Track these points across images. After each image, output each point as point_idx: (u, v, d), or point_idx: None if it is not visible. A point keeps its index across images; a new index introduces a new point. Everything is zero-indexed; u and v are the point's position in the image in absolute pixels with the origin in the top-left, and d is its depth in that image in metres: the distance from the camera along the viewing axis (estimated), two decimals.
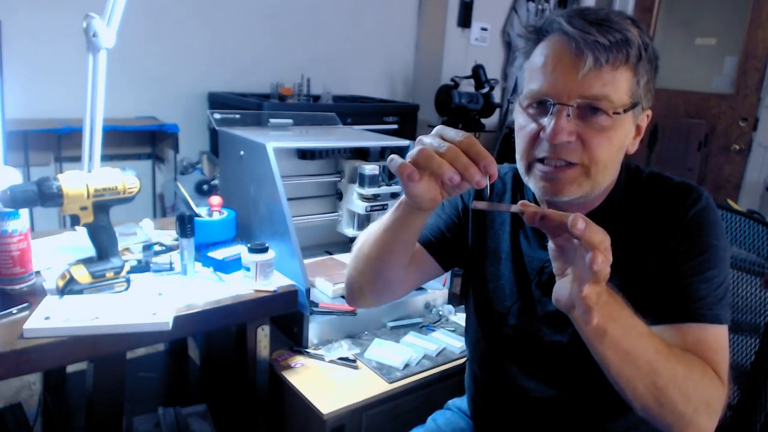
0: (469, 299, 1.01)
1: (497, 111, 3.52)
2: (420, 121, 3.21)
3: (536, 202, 0.89)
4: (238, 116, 1.68)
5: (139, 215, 1.58)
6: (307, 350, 1.28)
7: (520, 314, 0.90)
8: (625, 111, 0.75)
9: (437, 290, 1.53)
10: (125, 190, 1.08)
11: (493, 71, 3.33)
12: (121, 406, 1.08)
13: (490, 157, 0.63)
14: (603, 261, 0.56)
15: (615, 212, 0.83)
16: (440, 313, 1.50)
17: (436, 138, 0.65)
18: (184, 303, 1.08)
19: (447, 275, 1.54)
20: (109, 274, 1.09)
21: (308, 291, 1.23)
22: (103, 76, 1.24)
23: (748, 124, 3.45)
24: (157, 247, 1.33)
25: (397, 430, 1.17)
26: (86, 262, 1.09)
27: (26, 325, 0.91)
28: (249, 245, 1.20)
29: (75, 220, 1.06)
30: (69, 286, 1.05)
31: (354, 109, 2.88)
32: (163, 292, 1.10)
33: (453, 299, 1.56)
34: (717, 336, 0.75)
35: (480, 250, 0.96)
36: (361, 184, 1.55)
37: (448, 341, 1.36)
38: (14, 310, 0.97)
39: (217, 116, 1.61)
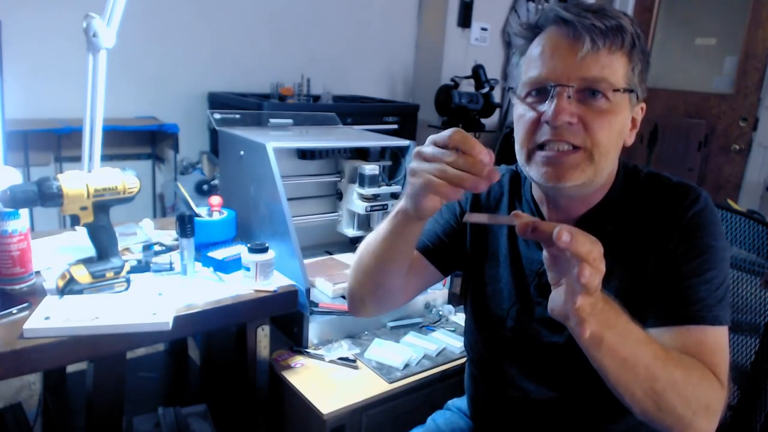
0: (467, 301, 1.01)
1: (497, 111, 3.52)
2: (420, 121, 3.21)
3: (535, 204, 0.89)
4: (238, 116, 1.68)
5: (139, 215, 1.58)
6: (307, 350, 1.28)
7: (518, 316, 0.90)
8: (624, 90, 0.75)
9: (437, 290, 1.53)
10: (125, 190, 1.08)
11: (493, 71, 3.33)
12: (121, 406, 1.08)
13: (484, 164, 0.63)
14: (591, 273, 0.56)
15: (613, 211, 0.83)
16: (440, 313, 1.50)
17: (432, 150, 0.66)
18: (184, 303, 1.08)
19: None
20: (109, 274, 1.09)
21: (308, 291, 1.23)
22: (103, 76, 1.24)
23: (748, 124, 3.45)
24: (157, 247, 1.33)
25: (397, 430, 1.17)
26: (86, 262, 1.09)
27: (26, 325, 0.91)
28: (249, 245, 1.20)
29: (75, 220, 1.06)
30: (69, 286, 1.05)
31: (354, 109, 2.88)
32: (163, 292, 1.10)
33: (453, 299, 1.56)
34: (717, 337, 0.74)
35: (479, 253, 0.95)
36: (361, 184, 1.55)
37: (448, 341, 1.36)
38: (14, 310, 0.97)
39: (217, 116, 1.61)
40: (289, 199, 1.35)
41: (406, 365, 1.25)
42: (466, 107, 3.16)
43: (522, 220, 0.61)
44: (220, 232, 1.36)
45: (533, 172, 0.79)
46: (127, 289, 1.11)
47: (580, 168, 0.76)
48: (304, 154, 1.50)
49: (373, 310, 0.96)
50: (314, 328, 1.30)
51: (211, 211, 1.38)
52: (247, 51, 2.89)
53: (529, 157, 0.79)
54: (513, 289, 0.90)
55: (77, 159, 1.37)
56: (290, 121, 1.82)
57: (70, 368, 1.54)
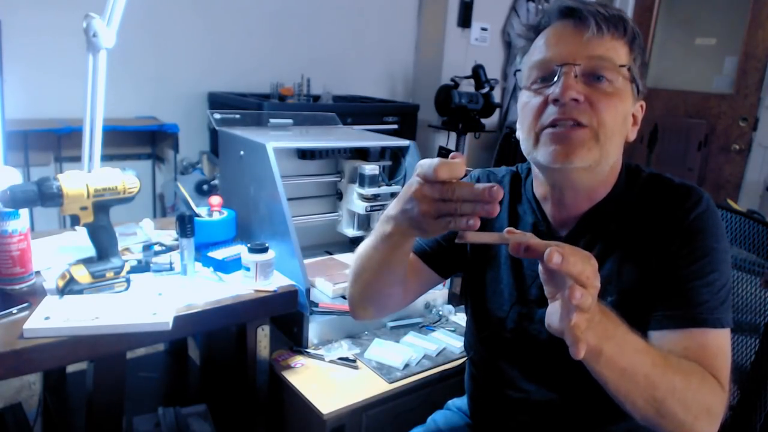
0: (467, 302, 1.01)
1: (497, 111, 3.53)
2: (420, 121, 3.21)
3: (537, 203, 0.89)
4: (238, 116, 1.68)
5: (139, 215, 1.58)
6: (307, 350, 1.28)
7: (519, 318, 0.90)
8: (628, 70, 0.77)
9: (437, 290, 1.53)
10: (125, 190, 1.08)
11: (493, 71, 3.33)
12: (121, 406, 1.08)
13: (481, 190, 0.60)
14: (582, 294, 0.56)
15: (616, 210, 0.83)
16: (440, 313, 1.50)
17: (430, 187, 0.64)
18: (184, 303, 1.08)
19: None
20: (109, 274, 1.09)
21: (308, 291, 1.23)
22: (103, 76, 1.24)
23: (748, 124, 3.45)
24: (157, 247, 1.33)
25: (397, 430, 1.17)
26: (86, 262, 1.09)
27: (26, 325, 0.91)
28: (249, 245, 1.20)
29: (75, 220, 1.06)
30: (69, 286, 1.05)
31: (354, 109, 2.88)
32: (163, 292, 1.10)
33: (453, 299, 1.56)
34: (719, 340, 0.74)
35: (479, 256, 0.95)
36: (361, 184, 1.55)
37: (448, 341, 1.36)
38: (14, 310, 0.97)
39: (217, 116, 1.61)
40: (289, 199, 1.35)
41: (406, 365, 1.25)
42: (466, 107, 3.16)
43: (515, 239, 0.61)
44: (220, 232, 1.36)
45: (541, 154, 0.78)
46: (127, 289, 1.11)
47: (586, 146, 0.75)
48: (304, 154, 1.50)
49: (376, 315, 0.97)
50: (314, 328, 1.30)
51: (211, 211, 1.38)
52: (247, 51, 2.89)
53: (537, 140, 0.78)
54: (514, 290, 0.90)
55: (77, 159, 1.37)
56: (290, 121, 1.82)
57: (70, 368, 1.54)
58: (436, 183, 0.63)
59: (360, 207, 1.56)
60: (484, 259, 0.95)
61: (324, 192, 1.68)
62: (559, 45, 0.77)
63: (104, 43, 1.21)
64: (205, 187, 2.42)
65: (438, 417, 1.11)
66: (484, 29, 3.66)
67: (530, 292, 0.88)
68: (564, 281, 0.59)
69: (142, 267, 1.21)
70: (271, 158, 1.31)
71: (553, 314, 0.62)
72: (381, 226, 0.76)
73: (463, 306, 1.52)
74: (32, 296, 1.04)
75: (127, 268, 1.12)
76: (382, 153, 1.64)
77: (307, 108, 2.73)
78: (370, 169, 1.54)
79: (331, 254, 1.67)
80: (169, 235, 1.41)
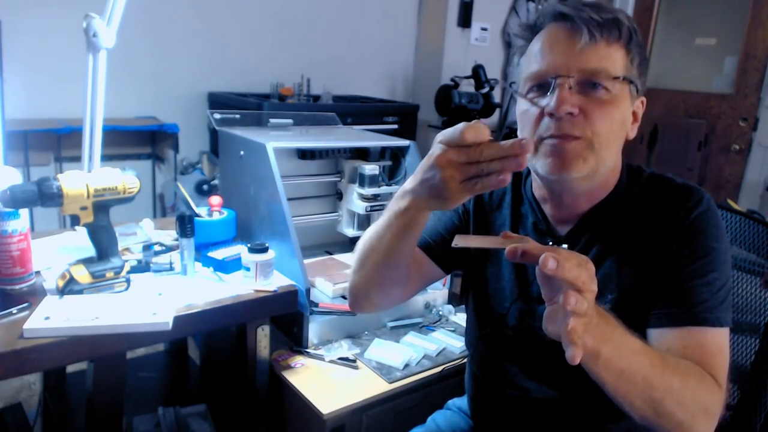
0: (469, 300, 1.01)
1: (497, 111, 3.52)
2: (420, 121, 3.21)
3: (537, 203, 0.89)
4: (238, 116, 1.68)
5: (139, 215, 1.58)
6: (307, 350, 1.28)
7: (520, 315, 0.90)
8: (624, 79, 0.76)
9: (437, 290, 1.53)
10: (125, 190, 1.08)
11: (493, 71, 3.33)
12: (121, 406, 1.08)
13: (508, 146, 0.60)
14: (577, 300, 0.56)
15: (617, 209, 0.83)
16: (440, 313, 1.50)
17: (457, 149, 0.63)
18: (184, 303, 1.08)
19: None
20: (109, 274, 1.09)
21: (308, 291, 1.23)
22: (103, 76, 1.24)
23: (748, 124, 3.45)
24: (157, 247, 1.33)
25: (397, 430, 1.17)
26: (86, 262, 1.09)
27: (26, 325, 0.91)
28: (249, 245, 1.20)
29: (75, 220, 1.06)
30: (69, 286, 1.05)
31: (354, 109, 2.88)
32: (163, 292, 1.10)
33: (453, 299, 1.56)
34: (718, 339, 0.75)
35: (481, 252, 0.95)
36: (361, 184, 1.55)
37: (448, 341, 1.36)
38: (14, 310, 0.97)
39: (217, 116, 1.61)
40: (289, 199, 1.35)
41: (406, 365, 1.25)
42: (466, 107, 3.16)
43: (511, 243, 0.61)
44: (220, 232, 1.36)
45: (539, 165, 0.79)
46: (127, 289, 1.11)
47: (582, 157, 0.76)
48: (304, 154, 1.50)
49: (377, 305, 0.95)
50: (314, 328, 1.30)
51: (211, 211, 1.38)
52: (247, 51, 2.89)
53: (536, 150, 0.79)
54: (515, 287, 0.90)
55: (77, 159, 1.37)
56: (290, 121, 1.82)
57: (70, 368, 1.54)
58: (461, 147, 0.63)
59: (360, 207, 1.56)
60: (485, 256, 0.95)
61: (324, 192, 1.68)
62: (552, 54, 0.76)
63: (104, 43, 1.21)
64: (205, 187, 2.42)
65: (438, 417, 1.11)
66: (484, 29, 3.66)
67: (532, 288, 0.88)
68: (561, 285, 0.59)
69: (142, 267, 1.21)
70: (271, 158, 1.31)
71: (550, 317, 0.62)
72: (395, 202, 0.76)
73: (463, 306, 1.52)
74: (32, 296, 1.04)
75: (127, 268, 1.12)
76: (382, 153, 1.64)
77: (307, 108, 2.73)
78: (370, 169, 1.54)
79: (331, 254, 1.67)
80: (169, 235, 1.41)
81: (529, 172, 0.92)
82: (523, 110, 0.80)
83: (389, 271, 0.87)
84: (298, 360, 1.26)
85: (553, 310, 0.61)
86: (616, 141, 0.79)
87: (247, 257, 1.19)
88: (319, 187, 1.67)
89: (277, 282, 1.23)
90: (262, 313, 1.21)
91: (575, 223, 0.85)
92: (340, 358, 1.25)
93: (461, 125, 0.63)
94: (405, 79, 3.63)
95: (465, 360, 1.12)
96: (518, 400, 0.92)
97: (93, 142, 1.29)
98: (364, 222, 1.63)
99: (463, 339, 1.35)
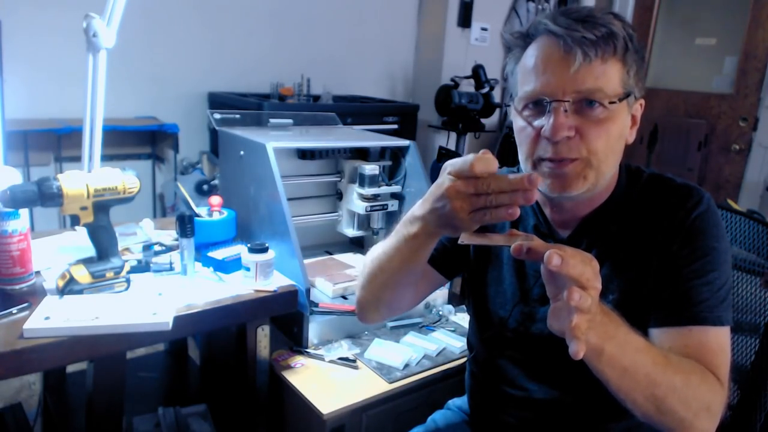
0: (469, 301, 1.02)
1: (497, 111, 3.52)
2: (420, 121, 3.21)
3: (537, 205, 0.89)
4: (238, 116, 1.68)
5: (139, 215, 1.57)
6: (307, 350, 1.28)
7: (521, 317, 0.90)
8: (620, 100, 0.75)
9: (437, 290, 1.52)
10: (125, 190, 1.08)
11: (493, 71, 3.33)
12: (121, 406, 1.08)
13: (514, 180, 0.61)
14: (581, 296, 0.57)
15: (617, 212, 0.83)
16: (440, 313, 1.50)
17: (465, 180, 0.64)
18: (184, 303, 1.07)
19: None
20: (109, 274, 1.09)
21: (308, 291, 1.23)
22: (103, 76, 1.24)
23: (748, 124, 3.45)
24: (157, 247, 1.33)
25: (397, 430, 1.17)
26: (86, 262, 1.09)
27: (26, 325, 0.91)
28: (249, 245, 1.20)
29: (75, 220, 1.06)
30: (69, 286, 1.05)
31: (354, 109, 2.88)
32: (163, 292, 1.10)
33: (453, 299, 1.56)
34: (719, 338, 0.75)
35: (482, 256, 0.96)
36: (361, 184, 1.55)
37: (448, 341, 1.36)
38: (14, 310, 0.97)
39: (217, 116, 1.61)
40: (289, 199, 1.35)
41: (406, 365, 1.25)
42: (466, 107, 3.16)
43: (517, 241, 0.61)
44: (220, 232, 1.36)
45: (540, 183, 0.79)
46: (127, 289, 1.11)
47: (581, 176, 0.77)
48: (304, 154, 1.50)
49: (385, 317, 0.98)
50: (314, 328, 1.30)
51: (211, 211, 1.38)
52: (247, 51, 2.89)
53: (534, 168, 0.80)
54: (516, 290, 0.91)
55: (77, 159, 1.37)
56: (290, 121, 1.81)
57: (70, 368, 1.54)
58: (470, 178, 0.63)
59: (360, 207, 1.56)
60: (486, 259, 0.95)
61: (324, 192, 1.68)
62: (547, 74, 0.75)
63: (104, 43, 1.21)
64: (205, 187, 2.41)
65: (438, 417, 1.11)
66: (484, 29, 3.66)
67: (533, 291, 0.88)
68: (566, 282, 0.59)
69: (142, 267, 1.21)
70: (271, 158, 1.31)
71: (554, 314, 0.62)
72: (405, 227, 0.77)
73: (463, 306, 1.52)
74: (32, 296, 1.04)
75: (127, 268, 1.12)
76: (382, 153, 1.64)
77: (307, 108, 2.73)
78: (370, 169, 1.54)
79: (331, 254, 1.67)
80: (169, 235, 1.41)
81: None
82: (520, 127, 0.80)
83: (397, 289, 0.89)
84: (298, 360, 1.26)
85: (557, 307, 0.62)
86: (615, 154, 0.79)
87: (247, 257, 1.19)
88: (319, 187, 1.67)
89: (277, 282, 1.23)
90: (262, 313, 1.21)
91: (576, 227, 0.85)
92: (340, 358, 1.25)
93: (470, 156, 0.63)
94: (405, 79, 3.63)
95: (465, 360, 1.12)
96: (518, 400, 0.92)
97: (93, 142, 1.29)
98: (364, 222, 1.64)
99: (463, 339, 1.35)
